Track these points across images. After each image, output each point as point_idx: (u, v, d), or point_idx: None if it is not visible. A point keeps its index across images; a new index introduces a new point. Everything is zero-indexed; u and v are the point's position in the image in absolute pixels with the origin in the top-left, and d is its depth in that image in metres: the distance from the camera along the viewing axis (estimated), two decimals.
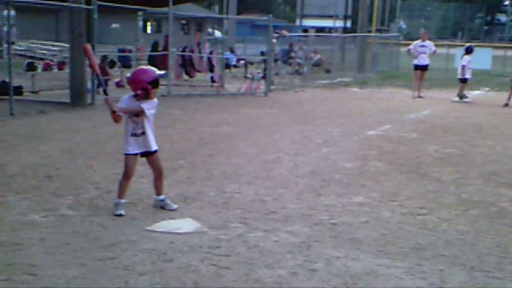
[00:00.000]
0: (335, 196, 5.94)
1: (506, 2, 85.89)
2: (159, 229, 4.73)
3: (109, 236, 4.54)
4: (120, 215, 5.04)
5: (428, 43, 16.76)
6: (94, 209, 5.26)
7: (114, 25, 31.93)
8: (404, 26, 70.49)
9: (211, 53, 19.23)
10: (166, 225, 4.84)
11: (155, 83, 5.03)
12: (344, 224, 5.05)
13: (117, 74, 17.17)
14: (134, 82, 5.06)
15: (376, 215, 5.35)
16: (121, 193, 5.21)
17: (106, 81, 15.48)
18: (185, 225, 4.86)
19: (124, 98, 5.19)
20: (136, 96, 5.06)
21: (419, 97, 16.06)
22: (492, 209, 5.65)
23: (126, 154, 5.22)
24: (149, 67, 5.42)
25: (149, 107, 5.05)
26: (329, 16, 44.33)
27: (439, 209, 5.59)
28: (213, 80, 18.17)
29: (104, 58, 16.35)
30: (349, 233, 4.81)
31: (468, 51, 15.73)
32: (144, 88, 4.99)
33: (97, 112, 11.85)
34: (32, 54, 26.27)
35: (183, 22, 45.93)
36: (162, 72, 5.27)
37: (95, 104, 12.50)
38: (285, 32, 26.02)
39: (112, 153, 7.77)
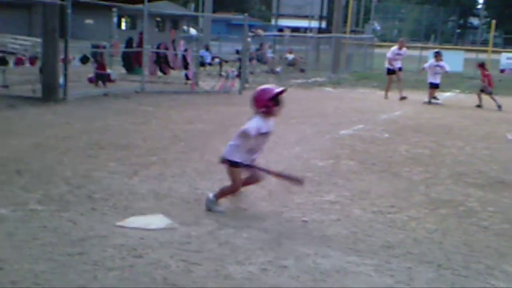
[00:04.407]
0: (307, 194, 5.96)
1: (479, 6, 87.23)
2: (129, 225, 4.70)
3: (78, 231, 4.50)
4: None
5: (403, 50, 16.96)
6: (63, 204, 5.20)
7: (88, 21, 31.60)
8: (378, 28, 71.06)
9: (185, 50, 19.17)
10: (137, 221, 4.81)
11: (276, 100, 5.11)
12: (315, 221, 5.08)
13: (90, 70, 16.97)
14: (256, 101, 5.15)
15: (347, 213, 5.39)
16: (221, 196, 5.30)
17: (104, 76, 15.57)
18: (156, 221, 4.84)
19: (257, 120, 5.17)
20: (260, 114, 5.14)
21: (402, 98, 16.09)
22: (460, 208, 5.74)
23: (236, 163, 5.19)
24: (269, 85, 5.46)
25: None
26: (305, 17, 44.48)
27: (408, 208, 5.66)
28: (187, 78, 18.11)
29: (101, 54, 16.45)
30: (319, 231, 4.84)
31: (435, 55, 16.07)
32: (266, 106, 5.07)
33: (69, 107, 11.73)
34: (4, 49, 25.87)
35: (158, 19, 45.67)
36: (281, 88, 5.28)
37: (67, 100, 12.36)
38: (260, 31, 26.11)
39: (84, 148, 7.71)
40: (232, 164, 5.18)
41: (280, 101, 5.16)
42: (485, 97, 15.45)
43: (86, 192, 5.60)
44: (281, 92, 5.17)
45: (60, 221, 4.72)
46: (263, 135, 5.18)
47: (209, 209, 5.22)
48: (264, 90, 5.22)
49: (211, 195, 5.30)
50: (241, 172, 5.23)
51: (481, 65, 16.50)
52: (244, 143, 5.14)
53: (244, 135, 5.09)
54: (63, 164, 6.78)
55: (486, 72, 16.05)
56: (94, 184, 5.92)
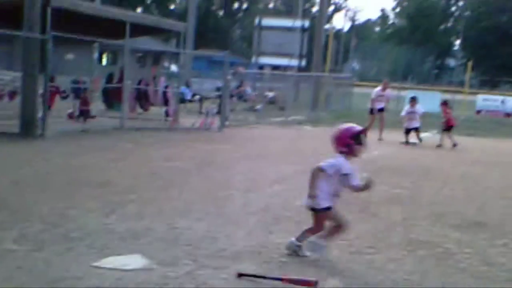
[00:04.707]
0: (285, 234, 5.93)
1: (455, 47, 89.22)
2: (105, 265, 4.63)
3: (53, 272, 4.42)
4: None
5: (388, 91, 17.18)
6: (39, 244, 5.11)
7: (69, 56, 31.59)
8: (357, 67, 72.20)
9: (166, 87, 19.23)
10: (113, 261, 4.74)
11: (358, 138, 5.02)
12: (293, 262, 5.06)
13: (69, 105, 16.92)
14: (337, 139, 5.07)
15: (326, 254, 5.37)
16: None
17: (85, 112, 15.58)
18: (133, 261, 4.78)
19: (337, 158, 5.08)
20: (342, 153, 5.05)
21: (380, 139, 16.21)
22: (438, 250, 5.75)
23: (326, 209, 5.07)
24: (351, 124, 5.31)
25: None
26: (285, 55, 45.06)
27: (387, 248, 5.66)
28: (167, 114, 18.13)
29: (85, 90, 16.56)
30: (298, 272, 4.81)
31: (410, 100, 16.28)
32: (347, 144, 5.00)
33: (47, 143, 11.65)
34: None
35: (139, 55, 45.84)
36: (362, 127, 5.22)
37: (46, 135, 12.27)
38: (241, 69, 26.37)
39: (61, 186, 7.63)
40: (321, 210, 5.05)
41: (362, 140, 5.06)
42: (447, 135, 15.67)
43: (62, 231, 5.52)
44: (363, 131, 5.10)
45: (35, 261, 4.64)
46: (344, 176, 5.05)
47: (313, 253, 5.12)
48: (346, 128, 5.14)
49: (316, 238, 5.16)
50: (329, 218, 5.10)
51: (445, 103, 16.75)
52: (326, 185, 5.00)
53: (321, 172, 4.98)
54: (39, 202, 6.69)
55: (448, 110, 16.31)
56: (70, 222, 5.84)
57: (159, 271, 4.60)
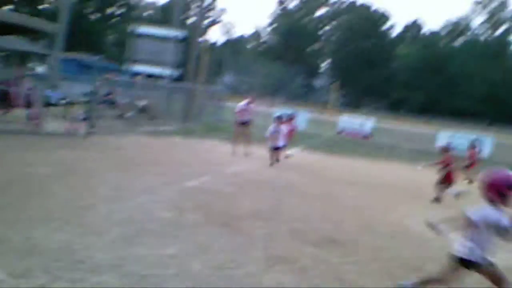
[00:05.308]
0: (147, 247, 5.90)
1: (322, 70, 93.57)
2: None
3: None
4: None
5: (251, 106, 17.52)
6: None
7: None
8: (230, 81, 73.25)
9: (30, 89, 18.35)
10: None
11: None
12: (154, 276, 5.04)
13: None
14: (490, 186, 4.62)
15: (187, 267, 5.41)
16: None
17: None
18: None
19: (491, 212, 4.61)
20: (491, 202, 4.62)
21: (247, 153, 16.43)
22: (295, 265, 5.98)
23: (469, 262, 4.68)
24: (509, 171, 4.74)
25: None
26: (159, 64, 44.76)
27: (247, 263, 5.80)
28: (30, 117, 17.27)
29: None
30: (158, 285, 4.80)
31: (276, 119, 16.58)
32: (502, 194, 4.57)
33: None
34: None
35: (3, 54, 43.40)
36: None
37: None
38: (111, 76, 25.80)
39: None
40: (465, 264, 4.72)
41: None
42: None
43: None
44: None
45: None
46: (495, 227, 4.59)
47: None
48: (504, 176, 4.67)
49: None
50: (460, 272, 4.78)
51: (278, 118, 17.37)
52: (481, 237, 4.62)
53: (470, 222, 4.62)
54: None
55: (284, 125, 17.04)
56: None
57: (9, 283, 4.39)
